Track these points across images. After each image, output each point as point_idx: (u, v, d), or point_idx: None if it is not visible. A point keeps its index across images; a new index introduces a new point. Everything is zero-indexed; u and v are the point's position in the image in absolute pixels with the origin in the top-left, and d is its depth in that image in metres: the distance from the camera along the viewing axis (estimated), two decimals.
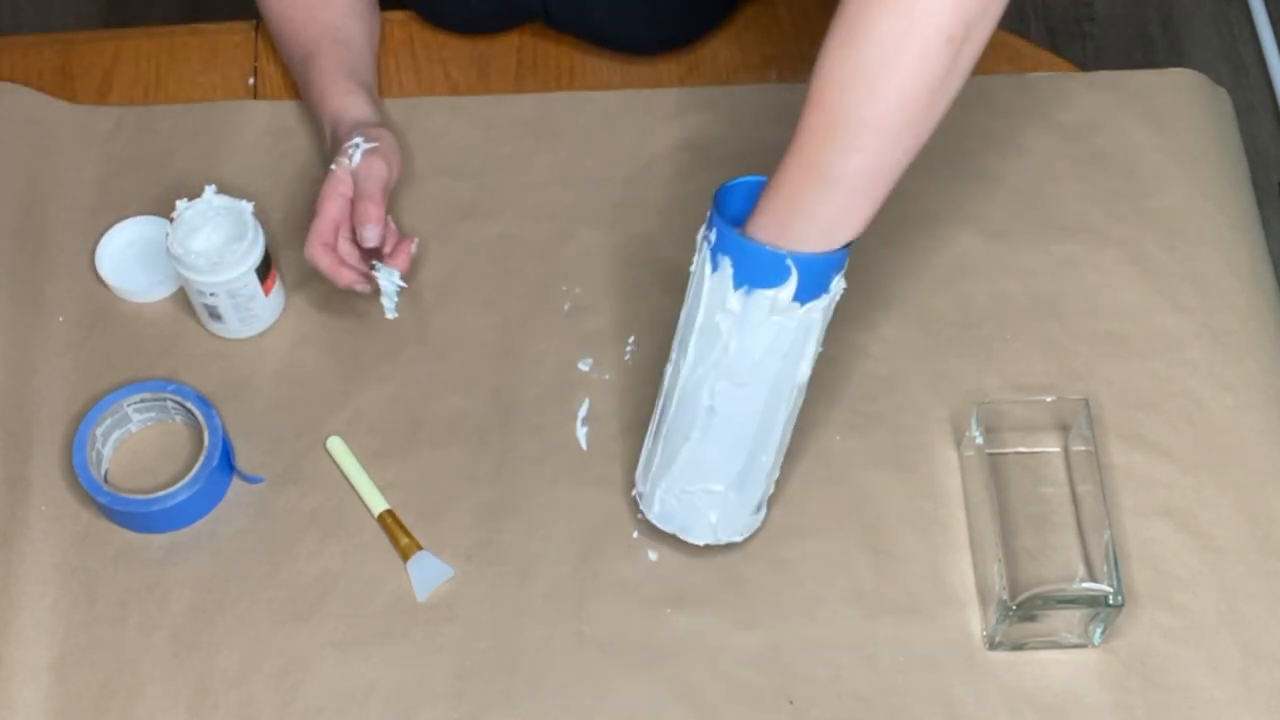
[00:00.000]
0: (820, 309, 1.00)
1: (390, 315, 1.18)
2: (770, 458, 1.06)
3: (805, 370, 1.03)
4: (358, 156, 1.18)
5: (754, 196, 0.99)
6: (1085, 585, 1.09)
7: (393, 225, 1.19)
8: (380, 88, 1.35)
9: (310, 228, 1.16)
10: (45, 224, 1.29)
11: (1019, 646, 1.09)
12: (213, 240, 1.18)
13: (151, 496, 1.13)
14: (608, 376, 1.21)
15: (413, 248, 1.18)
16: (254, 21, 1.39)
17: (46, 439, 1.19)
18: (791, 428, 1.07)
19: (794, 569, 1.13)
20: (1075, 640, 1.08)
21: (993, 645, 1.09)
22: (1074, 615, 1.06)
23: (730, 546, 1.12)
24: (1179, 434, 1.17)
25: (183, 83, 1.38)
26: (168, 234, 1.18)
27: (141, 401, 1.18)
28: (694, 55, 1.38)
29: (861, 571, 1.12)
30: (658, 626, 1.11)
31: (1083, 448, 1.12)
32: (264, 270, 1.19)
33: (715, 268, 0.99)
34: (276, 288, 1.22)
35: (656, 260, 1.26)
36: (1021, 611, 1.05)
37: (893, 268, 1.23)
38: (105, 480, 1.17)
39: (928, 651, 1.09)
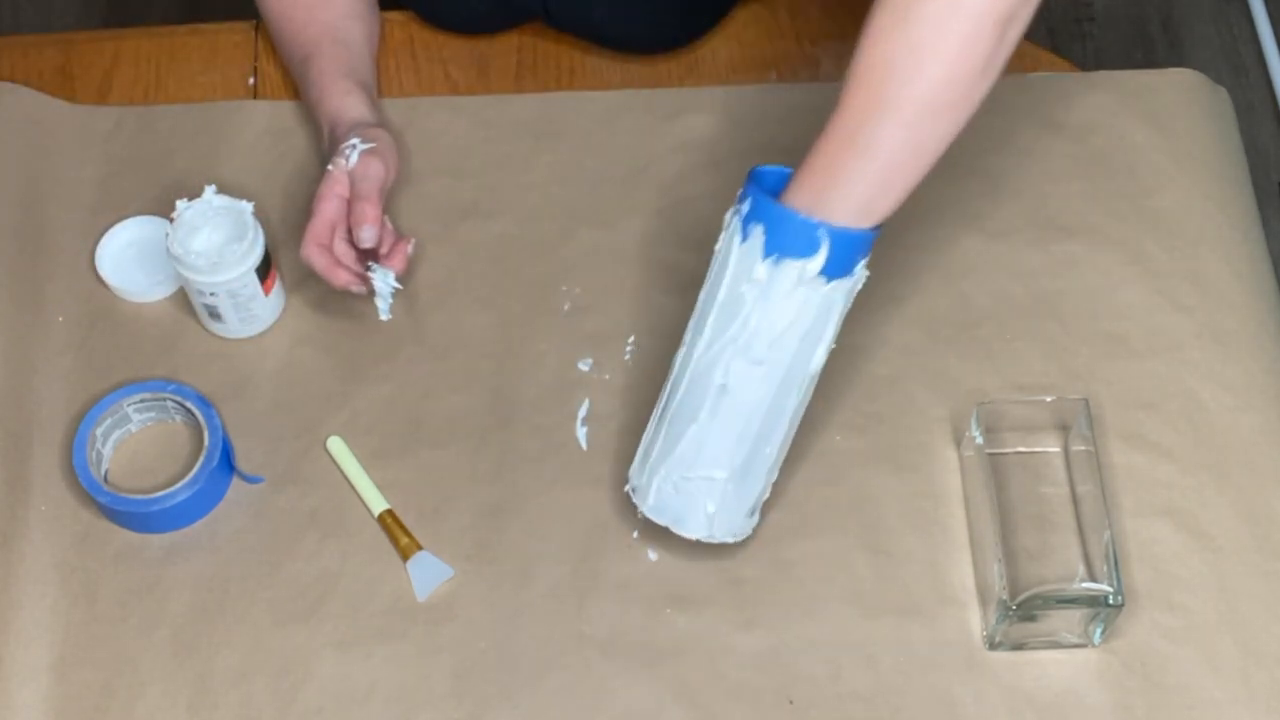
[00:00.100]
0: (843, 290, 1.01)
1: (384, 317, 1.18)
2: (774, 451, 1.06)
3: (820, 358, 1.03)
4: (355, 157, 1.18)
5: (783, 184, 1.01)
6: (1085, 585, 1.09)
7: (389, 226, 1.19)
8: (380, 88, 1.35)
9: (306, 228, 1.16)
10: (45, 224, 1.29)
11: (1019, 646, 1.09)
12: (213, 240, 1.18)
13: (151, 496, 1.13)
14: (608, 376, 1.21)
15: (409, 248, 1.18)
16: (254, 21, 1.39)
17: (46, 439, 1.19)
18: (796, 426, 1.06)
19: (794, 569, 1.13)
20: (1075, 640, 1.08)
21: (993, 645, 1.09)
22: (1074, 615, 1.06)
23: (730, 547, 1.12)
24: (1179, 434, 1.17)
25: (183, 83, 1.38)
26: (168, 234, 1.18)
27: (141, 401, 1.18)
28: (694, 55, 1.38)
29: (861, 571, 1.12)
30: (658, 626, 1.11)
31: (1083, 448, 1.12)
32: (264, 270, 1.19)
33: (745, 237, 1.00)
34: (276, 288, 1.22)
35: (656, 260, 1.26)
36: (1021, 611, 1.05)
37: (893, 268, 1.23)
38: (105, 480, 1.17)
39: (928, 651, 1.09)
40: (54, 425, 1.20)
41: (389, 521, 1.15)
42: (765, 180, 1.03)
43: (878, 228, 1.00)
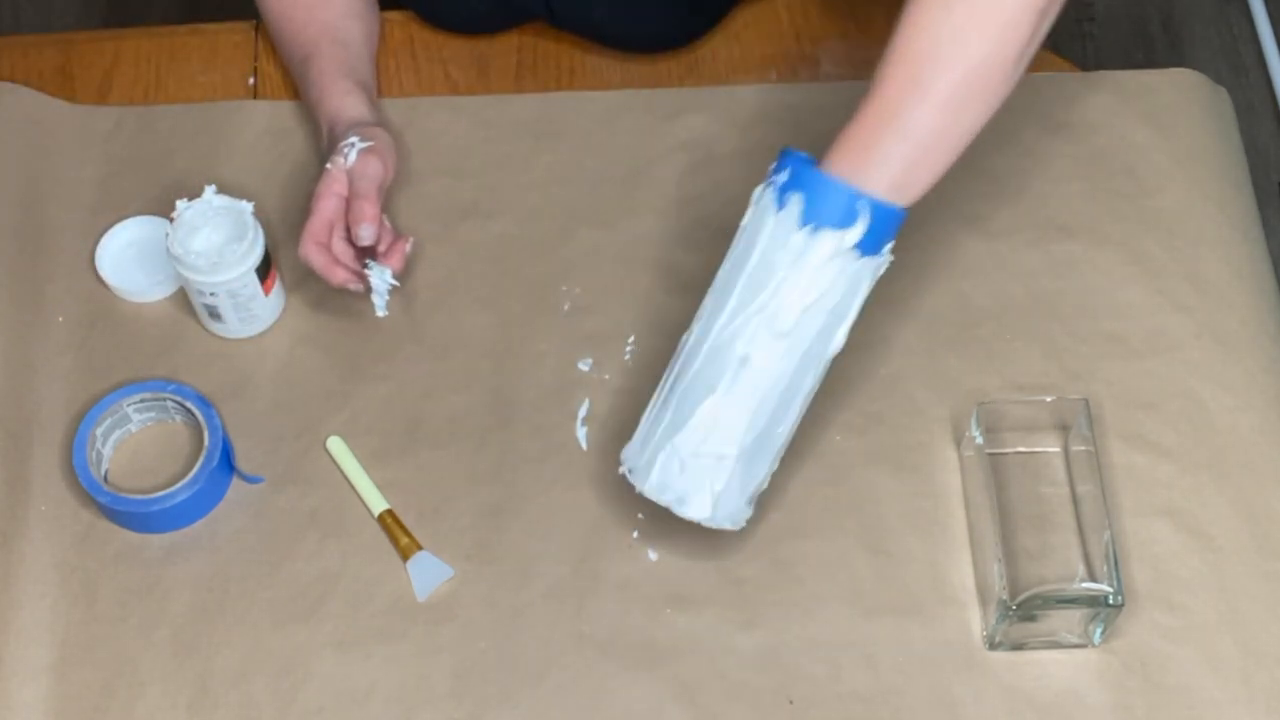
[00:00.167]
0: (871, 269, 1.02)
1: (380, 313, 1.18)
2: (784, 434, 1.05)
3: (839, 340, 1.04)
4: (353, 155, 1.18)
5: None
6: (1085, 585, 1.09)
7: (388, 224, 1.19)
8: (380, 88, 1.35)
9: (304, 226, 1.16)
10: (45, 224, 1.29)
11: (1019, 646, 1.09)
12: (213, 240, 1.18)
13: (151, 496, 1.13)
14: (608, 376, 1.21)
15: (407, 247, 1.18)
16: (254, 21, 1.39)
17: (46, 439, 1.19)
18: (803, 414, 1.06)
19: (794, 569, 1.13)
20: (1075, 640, 1.08)
21: (993, 645, 1.09)
22: (1074, 615, 1.06)
23: (730, 547, 1.12)
24: (1179, 434, 1.17)
25: (183, 83, 1.38)
26: (168, 234, 1.18)
27: (141, 401, 1.18)
28: (694, 55, 1.38)
29: (861, 571, 1.12)
30: (658, 626, 1.11)
31: (1083, 448, 1.12)
32: (264, 270, 1.19)
33: (782, 206, 1.01)
34: (276, 288, 1.22)
35: (656, 260, 1.26)
36: (1021, 611, 1.05)
37: (893, 268, 1.23)
38: (105, 480, 1.17)
39: (928, 651, 1.09)
40: (54, 425, 1.20)
41: (389, 521, 1.15)
42: (794, 162, 1.04)
43: (906, 212, 1.02)
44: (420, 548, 1.13)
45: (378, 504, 1.15)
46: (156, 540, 1.15)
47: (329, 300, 1.24)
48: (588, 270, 1.26)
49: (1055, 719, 1.07)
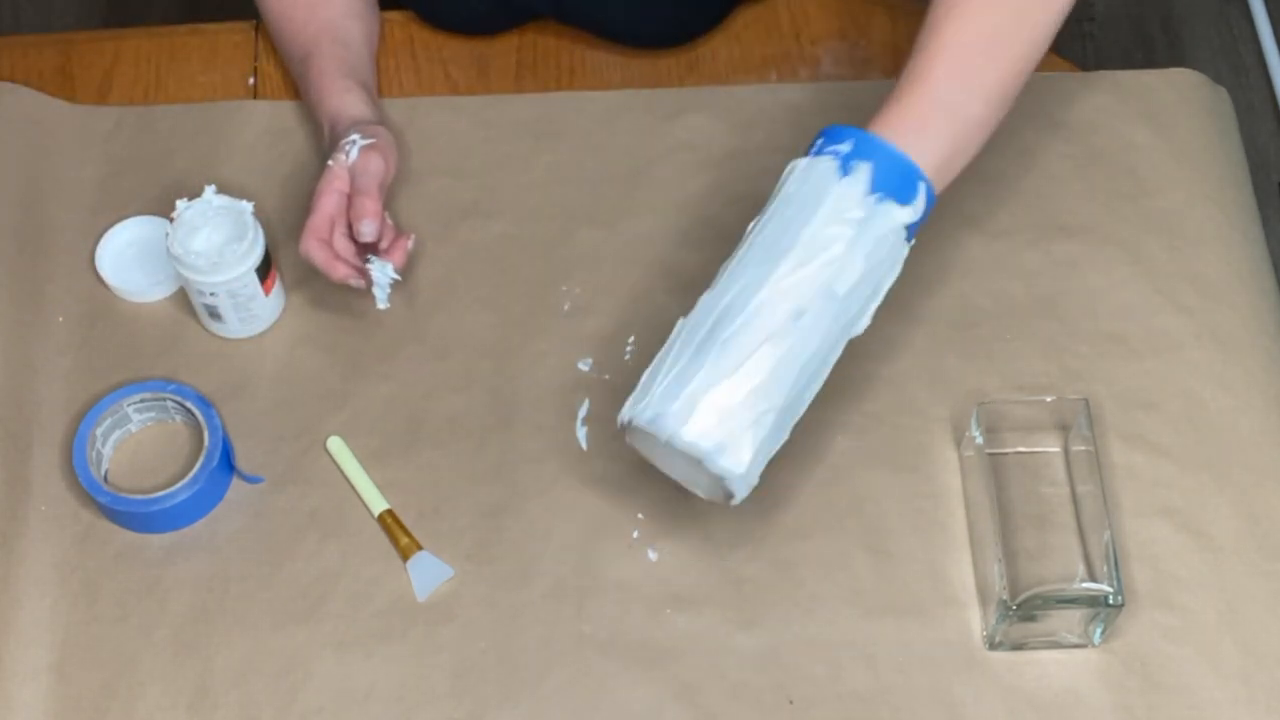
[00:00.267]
0: (904, 253, 1.05)
1: (382, 305, 1.18)
2: (808, 401, 1.04)
3: (865, 321, 1.05)
4: (355, 152, 1.18)
5: None
6: (1085, 585, 1.09)
7: (389, 221, 1.19)
8: (380, 88, 1.35)
9: (305, 222, 1.16)
10: (45, 224, 1.29)
11: (1019, 646, 1.09)
12: (213, 240, 1.18)
13: (151, 496, 1.13)
14: (608, 376, 1.21)
15: (409, 244, 1.18)
16: (254, 21, 1.39)
17: (46, 439, 1.19)
18: (821, 384, 1.04)
19: (794, 569, 1.13)
20: (1075, 640, 1.08)
21: (993, 645, 1.09)
22: (1074, 615, 1.06)
23: (730, 547, 1.12)
24: (1179, 434, 1.17)
25: (183, 83, 1.38)
26: (168, 234, 1.18)
27: (141, 401, 1.18)
28: (694, 55, 1.38)
29: (861, 571, 1.12)
30: (658, 626, 1.11)
31: (1083, 448, 1.12)
32: (264, 270, 1.19)
33: (847, 172, 1.02)
34: (276, 288, 1.22)
35: (656, 260, 1.26)
36: (1021, 611, 1.05)
37: None
38: (105, 480, 1.17)
39: (928, 651, 1.09)
40: (54, 425, 1.20)
41: (389, 521, 1.15)
42: (853, 134, 1.05)
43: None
44: (420, 548, 1.13)
45: (378, 504, 1.15)
46: (156, 540, 1.15)
47: (329, 300, 1.24)
48: (588, 270, 1.26)
49: (1055, 719, 1.07)
